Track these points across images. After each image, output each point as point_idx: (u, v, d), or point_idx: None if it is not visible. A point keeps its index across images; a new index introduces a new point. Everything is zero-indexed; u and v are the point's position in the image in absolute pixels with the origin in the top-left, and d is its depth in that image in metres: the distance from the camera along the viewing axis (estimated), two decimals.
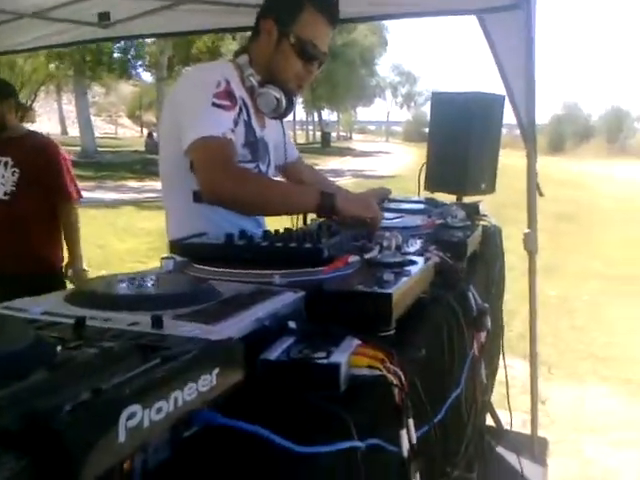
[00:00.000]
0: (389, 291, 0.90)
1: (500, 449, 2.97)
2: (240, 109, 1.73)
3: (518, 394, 3.61)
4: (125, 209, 12.22)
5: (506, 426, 3.13)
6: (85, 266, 3.16)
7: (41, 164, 2.95)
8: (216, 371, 0.54)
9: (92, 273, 3.15)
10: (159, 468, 0.53)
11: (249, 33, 1.88)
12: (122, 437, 0.43)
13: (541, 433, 3.28)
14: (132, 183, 17.88)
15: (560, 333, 5.34)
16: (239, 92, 1.74)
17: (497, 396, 2.89)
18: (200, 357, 0.54)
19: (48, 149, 3.03)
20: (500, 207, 7.06)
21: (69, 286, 2.97)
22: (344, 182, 17.94)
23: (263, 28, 1.77)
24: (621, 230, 11.62)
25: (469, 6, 2.44)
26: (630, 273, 7.75)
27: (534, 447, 2.85)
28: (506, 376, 2.57)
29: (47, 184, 2.97)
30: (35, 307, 0.77)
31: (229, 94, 1.66)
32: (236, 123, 1.69)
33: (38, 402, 0.43)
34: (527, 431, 3.20)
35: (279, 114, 1.83)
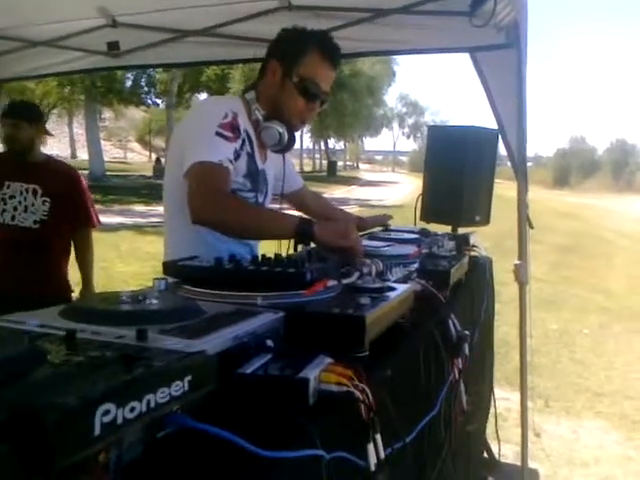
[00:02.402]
0: (362, 314, 0.96)
1: None
2: (243, 142, 1.82)
3: (514, 426, 3.60)
4: (130, 233, 12.31)
5: (500, 458, 3.14)
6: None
7: (70, 192, 3.02)
8: (188, 378, 0.60)
9: None
10: (133, 464, 0.59)
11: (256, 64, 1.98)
12: (97, 430, 0.49)
13: (534, 466, 3.28)
14: (138, 207, 18.03)
15: (559, 366, 5.33)
16: (245, 125, 1.84)
17: (492, 428, 2.91)
18: (173, 366, 0.60)
19: (74, 177, 3.11)
20: (502, 238, 7.11)
21: None
22: (349, 211, 17.98)
23: (269, 67, 1.88)
24: (623, 264, 11.64)
25: (462, 44, 2.53)
26: (631, 307, 7.75)
27: (524, 479, 2.85)
28: (495, 407, 2.60)
29: (75, 212, 3.04)
30: (32, 320, 0.83)
31: (233, 127, 1.76)
32: (238, 155, 1.78)
33: (28, 400, 0.50)
34: (519, 463, 3.20)
35: (281, 148, 1.92)
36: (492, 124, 2.97)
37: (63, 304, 3.05)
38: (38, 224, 2.92)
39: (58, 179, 3.01)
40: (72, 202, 3.03)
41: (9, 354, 0.60)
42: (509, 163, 3.33)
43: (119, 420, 0.51)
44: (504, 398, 4.00)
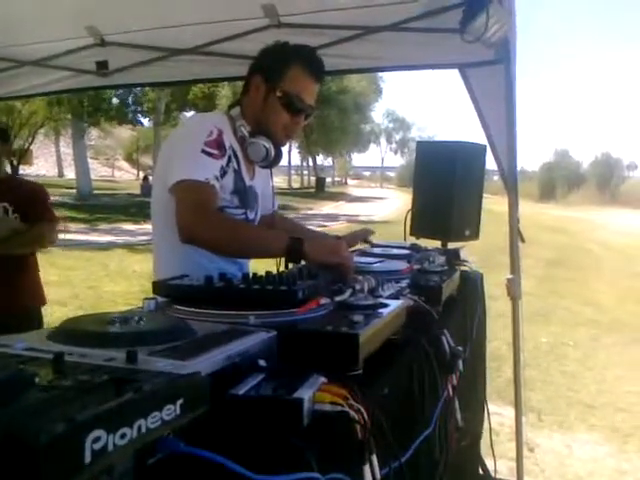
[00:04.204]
0: (356, 332, 0.95)
1: None
2: (230, 158, 1.82)
3: (506, 441, 3.60)
4: (118, 251, 12.22)
5: (494, 473, 3.12)
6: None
7: (37, 206, 3.00)
8: (180, 402, 0.59)
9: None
10: None
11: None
12: (88, 458, 0.47)
13: None
14: (126, 226, 17.93)
15: (550, 379, 5.33)
16: (230, 142, 1.84)
17: (486, 442, 2.89)
18: (165, 389, 0.59)
19: (39, 192, 3.10)
20: (490, 252, 7.14)
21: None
22: (338, 227, 18.05)
23: (253, 83, 1.88)
24: (611, 276, 11.71)
25: (452, 60, 2.55)
26: (620, 319, 7.79)
27: None
28: (489, 422, 2.58)
29: (41, 220, 3.01)
30: (18, 343, 0.81)
31: (219, 144, 1.75)
32: (224, 172, 1.78)
33: (17, 425, 0.48)
34: (514, 478, 3.18)
35: (268, 163, 1.92)
36: (478, 139, 2.99)
37: (39, 316, 3.02)
38: None
39: (26, 195, 3.00)
40: (40, 214, 3.00)
41: None
42: (495, 177, 3.35)
43: (110, 447, 0.50)
44: (496, 413, 3.97)
